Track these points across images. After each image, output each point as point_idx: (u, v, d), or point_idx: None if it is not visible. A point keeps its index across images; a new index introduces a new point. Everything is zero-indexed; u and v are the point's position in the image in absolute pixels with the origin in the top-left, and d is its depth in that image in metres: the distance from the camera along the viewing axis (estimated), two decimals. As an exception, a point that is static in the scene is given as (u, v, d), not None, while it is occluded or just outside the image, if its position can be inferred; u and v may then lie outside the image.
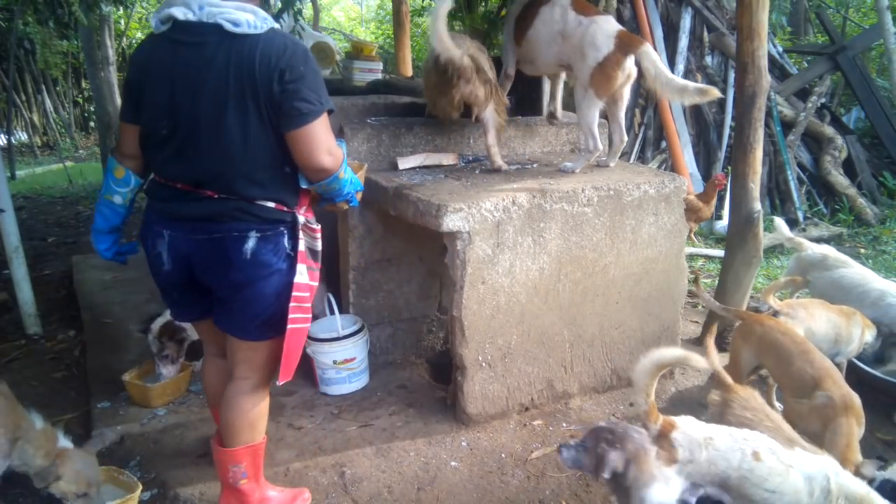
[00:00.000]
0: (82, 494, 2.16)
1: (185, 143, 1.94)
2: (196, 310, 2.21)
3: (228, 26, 1.89)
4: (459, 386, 2.78)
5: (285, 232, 2.04)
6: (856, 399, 2.35)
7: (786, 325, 2.73)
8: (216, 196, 1.95)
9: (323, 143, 1.94)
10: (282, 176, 2.02)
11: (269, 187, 1.99)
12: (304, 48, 1.98)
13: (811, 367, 2.46)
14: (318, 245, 2.15)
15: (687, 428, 1.97)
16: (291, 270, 2.03)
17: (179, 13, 1.91)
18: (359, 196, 2.24)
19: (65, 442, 2.24)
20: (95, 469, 2.24)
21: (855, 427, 2.29)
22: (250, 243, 1.98)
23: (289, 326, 2.01)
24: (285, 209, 2.02)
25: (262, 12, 1.96)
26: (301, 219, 2.06)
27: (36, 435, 2.15)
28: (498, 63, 3.36)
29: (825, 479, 1.85)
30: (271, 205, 1.99)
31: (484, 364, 2.77)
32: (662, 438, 1.95)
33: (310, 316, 2.13)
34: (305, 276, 2.06)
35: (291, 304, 2.01)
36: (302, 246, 2.06)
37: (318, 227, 2.13)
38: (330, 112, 1.98)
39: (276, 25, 1.97)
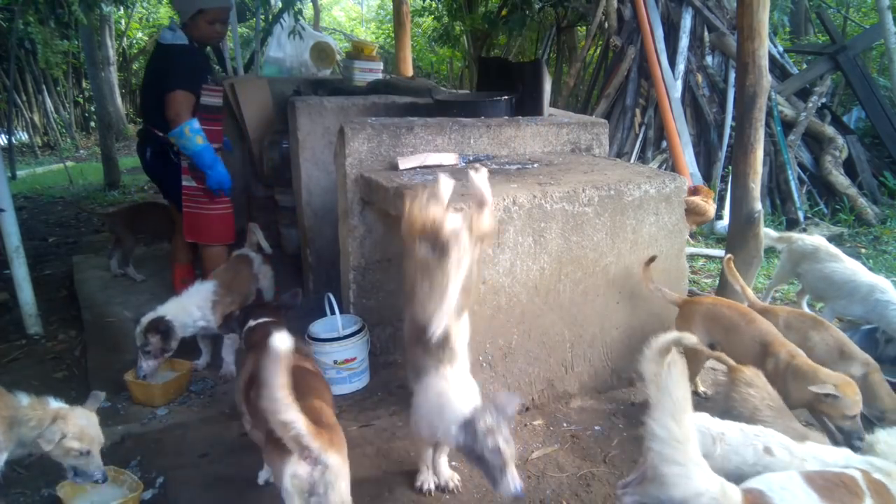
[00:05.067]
0: (85, 452, 2.11)
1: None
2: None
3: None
4: (460, 386, 2.77)
5: None
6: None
7: (727, 300, 2.96)
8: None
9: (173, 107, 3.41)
10: None
11: None
12: None
13: (759, 334, 2.64)
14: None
15: (700, 423, 1.97)
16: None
17: None
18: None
19: (57, 403, 2.17)
20: (97, 427, 2.19)
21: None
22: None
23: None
24: None
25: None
26: None
27: (24, 412, 2.08)
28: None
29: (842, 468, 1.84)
30: None
31: (484, 364, 2.77)
32: None
33: None
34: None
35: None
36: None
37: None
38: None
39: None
